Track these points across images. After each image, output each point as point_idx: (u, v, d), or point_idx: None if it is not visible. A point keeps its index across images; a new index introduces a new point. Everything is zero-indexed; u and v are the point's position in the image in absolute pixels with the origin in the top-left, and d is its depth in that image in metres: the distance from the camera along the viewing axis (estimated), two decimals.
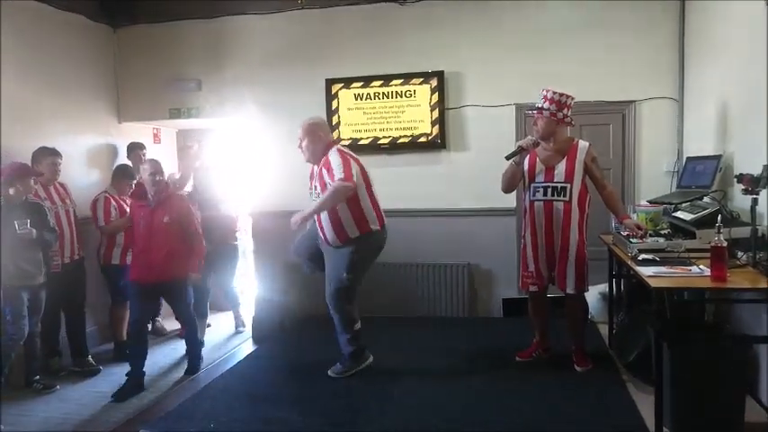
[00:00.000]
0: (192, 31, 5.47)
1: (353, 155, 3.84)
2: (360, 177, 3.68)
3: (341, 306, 3.86)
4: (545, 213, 3.72)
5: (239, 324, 5.32)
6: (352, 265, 3.78)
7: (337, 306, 3.86)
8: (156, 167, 4.04)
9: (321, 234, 3.81)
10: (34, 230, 3.67)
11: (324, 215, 3.72)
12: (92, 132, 5.20)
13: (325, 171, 3.71)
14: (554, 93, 3.66)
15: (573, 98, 3.71)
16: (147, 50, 5.56)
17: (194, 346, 4.29)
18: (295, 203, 5.25)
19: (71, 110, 4.95)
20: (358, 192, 3.67)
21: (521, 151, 3.73)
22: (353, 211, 3.70)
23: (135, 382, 3.90)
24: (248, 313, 5.32)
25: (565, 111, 3.67)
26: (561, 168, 3.68)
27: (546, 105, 3.67)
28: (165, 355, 4.68)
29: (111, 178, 4.79)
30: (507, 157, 3.77)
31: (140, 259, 4.03)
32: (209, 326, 5.20)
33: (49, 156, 4.20)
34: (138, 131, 5.62)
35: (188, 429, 3.23)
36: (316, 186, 3.81)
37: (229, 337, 5.14)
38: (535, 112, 3.72)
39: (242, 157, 5.84)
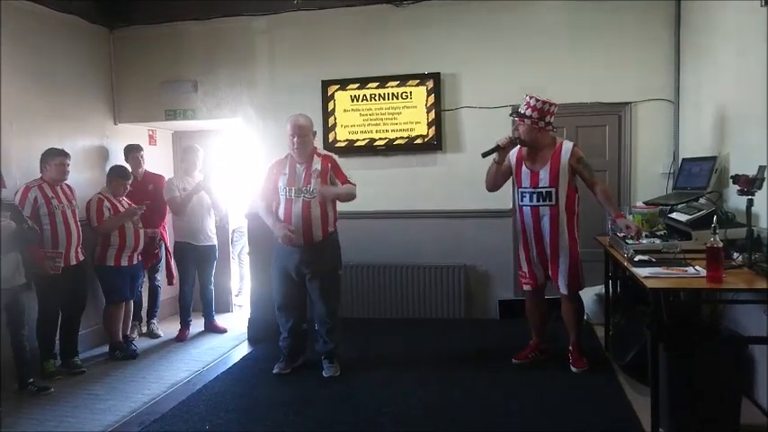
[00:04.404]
0: (189, 32, 5.46)
1: None
2: None
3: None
4: (533, 218, 3.75)
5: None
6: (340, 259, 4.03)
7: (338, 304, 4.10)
8: None
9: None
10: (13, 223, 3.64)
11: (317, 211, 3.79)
12: (88, 133, 5.18)
13: (321, 169, 3.81)
14: (536, 100, 3.64)
15: (556, 105, 3.69)
16: (143, 52, 5.54)
17: None
18: None
19: (67, 111, 4.93)
20: None
21: (498, 149, 3.73)
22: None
23: None
24: (244, 315, 5.32)
25: (547, 118, 3.65)
26: (545, 173, 3.68)
27: (528, 113, 3.65)
28: (160, 357, 4.67)
29: (105, 179, 4.78)
30: (483, 155, 3.79)
31: None
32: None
33: (57, 156, 4.26)
34: (133, 133, 5.60)
35: (183, 431, 3.22)
36: (298, 184, 3.81)
37: (225, 339, 5.12)
38: (517, 119, 3.72)
39: (238, 158, 5.83)
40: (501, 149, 3.73)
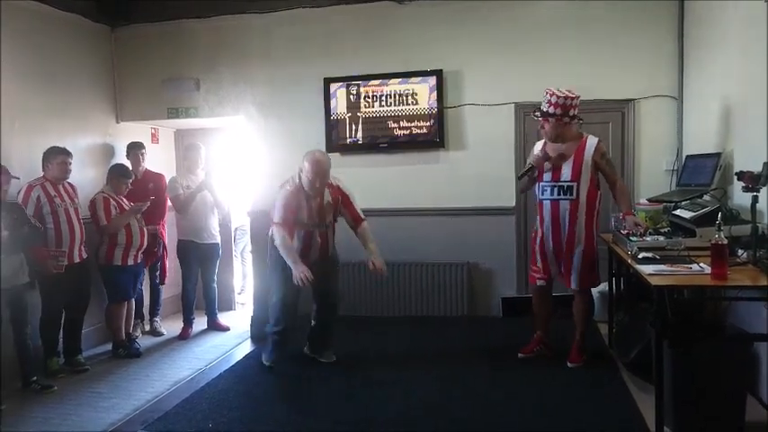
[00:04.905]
0: (191, 30, 5.45)
1: None
2: None
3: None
4: (552, 212, 3.75)
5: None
6: None
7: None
8: None
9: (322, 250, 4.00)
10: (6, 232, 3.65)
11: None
12: (90, 132, 5.18)
13: (332, 202, 3.92)
14: (558, 96, 3.62)
15: (578, 96, 3.69)
16: (145, 50, 5.54)
17: None
18: None
19: (69, 109, 4.93)
20: None
21: (532, 169, 3.79)
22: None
23: None
24: (247, 313, 5.32)
25: (571, 112, 3.65)
26: (568, 168, 3.68)
27: (551, 110, 3.65)
28: (163, 355, 4.67)
29: (106, 178, 4.77)
30: (520, 177, 3.91)
31: None
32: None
33: (59, 155, 4.26)
34: (136, 131, 5.60)
35: (186, 429, 3.22)
36: (316, 218, 3.90)
37: (227, 337, 5.12)
38: (541, 118, 3.71)
39: (240, 157, 5.82)
40: (534, 168, 3.78)
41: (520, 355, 3.99)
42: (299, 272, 3.68)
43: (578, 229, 3.69)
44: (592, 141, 3.71)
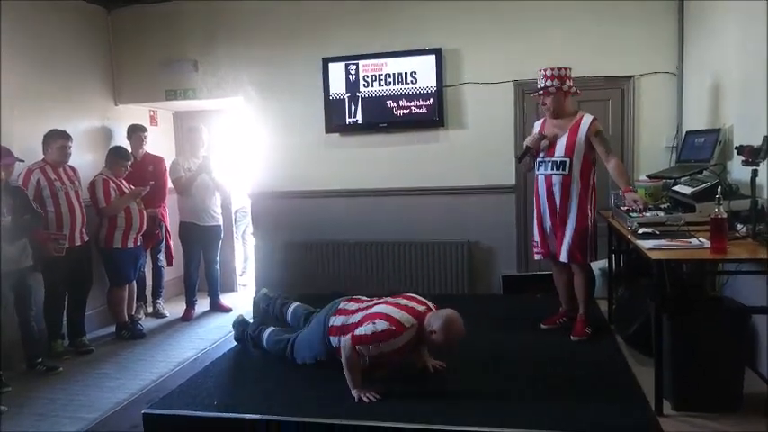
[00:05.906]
0: (188, 10, 5.41)
1: None
2: None
3: None
4: (546, 186, 3.80)
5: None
6: None
7: None
8: None
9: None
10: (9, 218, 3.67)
11: None
12: (88, 115, 5.17)
13: None
14: (552, 69, 3.68)
15: (570, 68, 3.73)
16: (141, 31, 5.50)
17: None
18: (293, 184, 5.30)
19: (67, 93, 4.92)
20: None
21: (529, 150, 3.80)
22: None
23: None
24: (249, 294, 5.35)
25: (568, 82, 3.70)
26: (562, 143, 3.71)
27: (549, 83, 3.67)
28: (167, 336, 4.71)
29: (105, 160, 4.77)
30: (519, 160, 3.92)
31: None
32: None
33: (59, 138, 4.27)
34: (134, 113, 5.59)
35: (191, 408, 3.24)
36: None
37: (230, 317, 5.14)
38: (541, 92, 3.72)
39: (239, 138, 5.81)
40: (531, 149, 3.81)
41: (542, 326, 4.04)
42: (360, 394, 3.17)
43: (570, 203, 3.73)
44: (587, 119, 3.73)
